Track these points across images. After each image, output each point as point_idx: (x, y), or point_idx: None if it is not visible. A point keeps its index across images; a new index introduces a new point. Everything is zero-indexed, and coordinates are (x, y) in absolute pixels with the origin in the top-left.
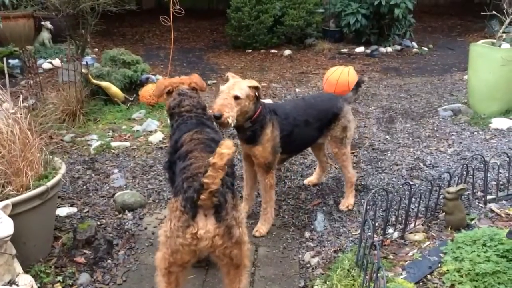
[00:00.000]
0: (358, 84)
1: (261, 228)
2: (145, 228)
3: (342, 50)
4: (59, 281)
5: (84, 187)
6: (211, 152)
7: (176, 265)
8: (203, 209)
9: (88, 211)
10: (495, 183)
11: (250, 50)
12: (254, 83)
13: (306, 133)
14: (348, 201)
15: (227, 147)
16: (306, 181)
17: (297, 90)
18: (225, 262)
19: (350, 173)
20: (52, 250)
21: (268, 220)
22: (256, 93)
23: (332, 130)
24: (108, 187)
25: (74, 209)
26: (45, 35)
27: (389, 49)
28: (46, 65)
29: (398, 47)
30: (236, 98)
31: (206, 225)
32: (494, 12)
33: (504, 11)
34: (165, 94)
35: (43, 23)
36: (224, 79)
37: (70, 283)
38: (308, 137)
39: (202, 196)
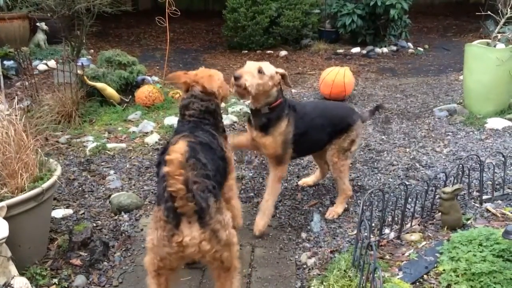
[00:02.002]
0: (377, 108)
1: (259, 223)
2: (141, 230)
3: (338, 50)
4: (54, 283)
5: (80, 188)
6: (193, 156)
7: (165, 269)
8: (186, 216)
9: (83, 213)
10: (490, 183)
11: (246, 51)
12: (282, 70)
13: (318, 136)
14: (336, 209)
15: (173, 151)
16: (300, 182)
17: (293, 90)
18: (216, 265)
19: (345, 185)
20: (48, 252)
21: (267, 213)
22: (282, 81)
23: (340, 140)
24: (104, 188)
25: (69, 211)
26: (40, 36)
27: (385, 49)
28: (42, 67)
29: (394, 48)
30: (260, 71)
31: (191, 232)
32: (489, 12)
33: (499, 11)
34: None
35: (38, 24)
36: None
37: (66, 285)
38: (319, 141)
39: (176, 205)
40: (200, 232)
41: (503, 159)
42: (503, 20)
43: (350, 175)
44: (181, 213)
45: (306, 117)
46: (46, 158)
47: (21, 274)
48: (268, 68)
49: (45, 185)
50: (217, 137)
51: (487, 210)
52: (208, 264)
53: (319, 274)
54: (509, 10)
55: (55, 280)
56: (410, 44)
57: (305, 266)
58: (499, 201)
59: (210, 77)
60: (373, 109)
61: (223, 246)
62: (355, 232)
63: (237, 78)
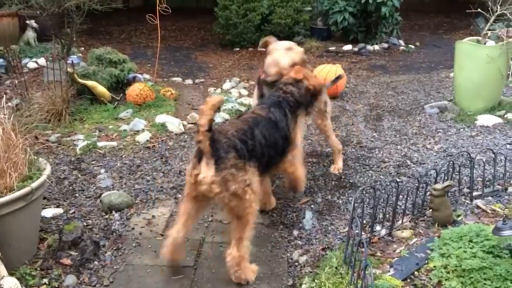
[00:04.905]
0: (337, 78)
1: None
2: (133, 229)
3: (329, 48)
4: (44, 284)
5: (70, 187)
6: (248, 125)
7: (191, 196)
8: (206, 157)
9: (74, 212)
10: (481, 179)
11: (238, 49)
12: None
13: None
14: (337, 165)
15: (213, 98)
16: (332, 168)
17: None
18: (227, 210)
19: (334, 141)
20: (38, 252)
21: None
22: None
23: (317, 102)
24: (94, 187)
25: (60, 210)
26: (30, 34)
27: (377, 47)
28: (31, 65)
29: (385, 45)
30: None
31: (206, 172)
32: (479, 10)
33: (489, 8)
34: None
35: (28, 22)
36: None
37: (56, 285)
38: None
39: (197, 137)
40: (212, 175)
41: (493, 155)
42: (493, 18)
43: (342, 172)
44: (202, 152)
45: None
46: (35, 157)
47: (11, 274)
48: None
49: (34, 184)
50: (289, 118)
51: (478, 207)
52: (222, 208)
53: (311, 272)
54: (499, 7)
55: (45, 280)
56: (401, 42)
57: (297, 263)
58: (489, 198)
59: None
60: (334, 79)
61: (232, 196)
62: (346, 229)
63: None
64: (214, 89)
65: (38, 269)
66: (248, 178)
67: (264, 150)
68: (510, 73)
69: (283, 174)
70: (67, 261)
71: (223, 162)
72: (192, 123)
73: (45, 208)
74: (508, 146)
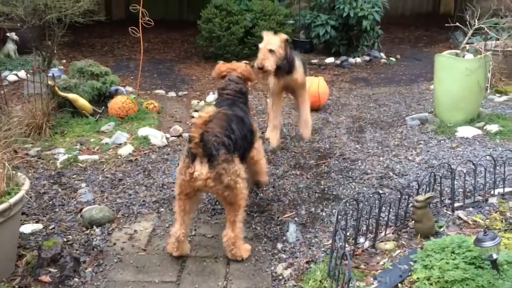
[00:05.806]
0: None
1: (307, 133)
2: (114, 244)
3: (312, 61)
4: None
5: (50, 202)
6: (227, 122)
7: (183, 194)
8: (199, 157)
9: (54, 228)
10: (462, 190)
11: (222, 61)
12: (283, 36)
13: None
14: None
15: (205, 112)
16: None
17: (268, 100)
18: (221, 199)
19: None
20: (16, 269)
21: (310, 124)
22: (286, 42)
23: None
24: (75, 202)
25: (39, 226)
26: (10, 47)
27: (358, 59)
28: (11, 77)
29: (367, 58)
30: (271, 51)
31: (201, 169)
32: (458, 24)
33: (467, 22)
34: (220, 77)
35: (8, 34)
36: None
37: None
38: None
39: (190, 145)
40: (207, 171)
41: (473, 167)
42: (471, 31)
43: (326, 184)
44: (195, 154)
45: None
46: (14, 172)
47: None
48: (275, 43)
49: (12, 200)
50: (248, 114)
51: (459, 218)
52: (216, 197)
53: (295, 285)
54: (476, 21)
55: None
56: (382, 54)
57: (281, 277)
58: (470, 208)
59: (245, 66)
60: None
61: (225, 187)
62: (330, 242)
63: (261, 68)
64: (198, 102)
65: (16, 287)
66: (237, 167)
67: (240, 142)
68: (489, 85)
69: (250, 163)
70: (46, 278)
71: (215, 159)
72: (175, 136)
73: (24, 224)
74: (487, 157)
